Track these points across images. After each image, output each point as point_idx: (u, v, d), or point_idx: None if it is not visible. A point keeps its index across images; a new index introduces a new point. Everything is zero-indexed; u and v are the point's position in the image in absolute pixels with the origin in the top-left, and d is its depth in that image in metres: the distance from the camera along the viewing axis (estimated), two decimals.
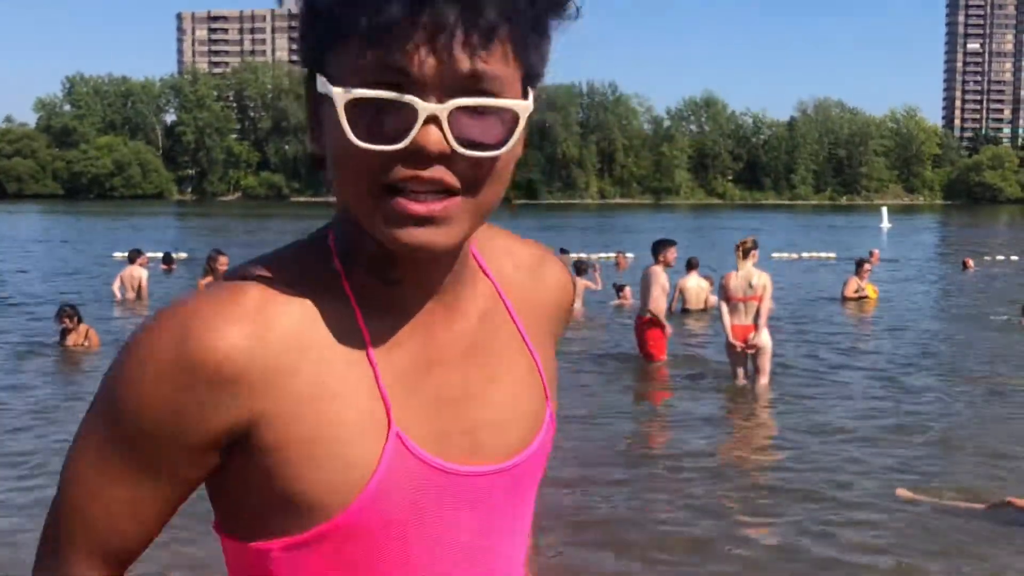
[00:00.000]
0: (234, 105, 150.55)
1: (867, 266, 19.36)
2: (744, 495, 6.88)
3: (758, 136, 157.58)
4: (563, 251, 28.10)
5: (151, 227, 52.48)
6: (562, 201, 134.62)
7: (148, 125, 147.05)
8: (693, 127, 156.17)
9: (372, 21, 0.88)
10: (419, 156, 0.91)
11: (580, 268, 17.44)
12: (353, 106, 0.91)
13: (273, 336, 0.98)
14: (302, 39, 0.99)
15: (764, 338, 10.27)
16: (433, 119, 0.90)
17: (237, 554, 1.09)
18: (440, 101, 0.91)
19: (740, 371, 10.40)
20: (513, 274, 1.19)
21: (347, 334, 1.02)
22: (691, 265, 16.70)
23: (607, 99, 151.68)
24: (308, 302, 1.01)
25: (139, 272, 18.48)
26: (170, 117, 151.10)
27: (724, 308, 10.34)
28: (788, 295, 19.03)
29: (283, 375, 0.98)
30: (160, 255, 26.06)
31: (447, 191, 0.94)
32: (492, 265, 1.17)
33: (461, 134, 0.92)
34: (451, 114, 0.91)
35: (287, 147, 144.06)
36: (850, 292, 18.64)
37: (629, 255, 29.89)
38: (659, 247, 12.11)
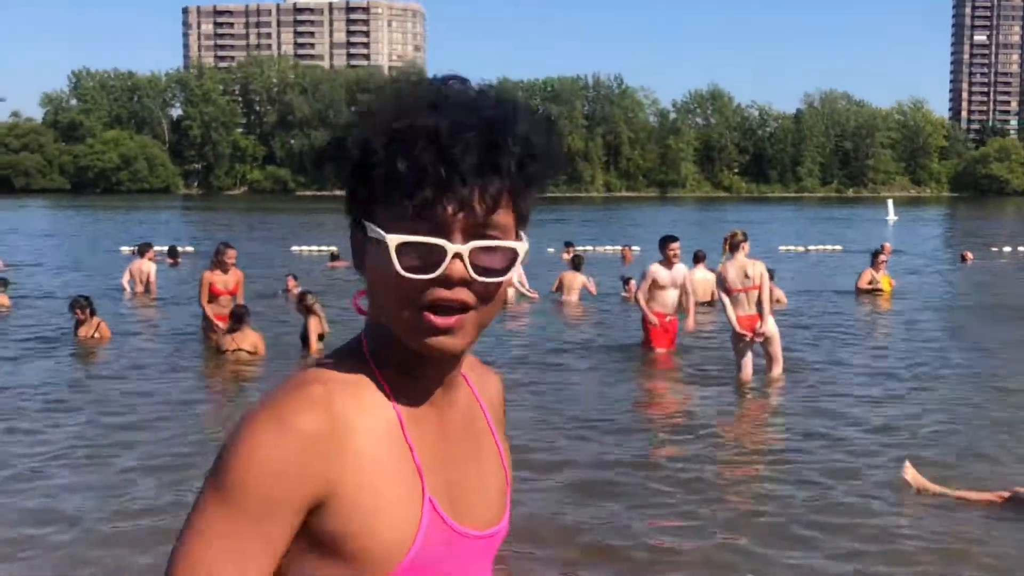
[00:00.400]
0: (240, 99, 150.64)
1: (882, 257, 19.30)
2: (750, 487, 7.00)
3: (764, 129, 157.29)
4: (568, 244, 28.22)
5: (158, 221, 52.67)
6: (567, 194, 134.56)
7: (154, 119, 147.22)
8: (699, 120, 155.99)
9: (414, 199, 1.21)
10: (447, 282, 1.22)
11: (577, 264, 17.45)
12: (400, 247, 1.22)
13: (338, 422, 1.23)
14: (351, 197, 1.30)
15: (771, 326, 10.40)
16: (458, 256, 1.22)
17: None
18: (463, 243, 1.22)
19: (746, 362, 10.50)
20: (476, 379, 1.49)
21: (387, 419, 1.28)
22: (698, 258, 16.75)
23: (613, 92, 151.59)
24: (356, 394, 1.27)
25: (148, 266, 18.67)
26: (176, 111, 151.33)
27: (726, 300, 10.44)
28: (799, 288, 19.12)
29: (349, 452, 1.23)
30: (165, 249, 26.27)
31: (463, 308, 1.24)
32: (481, 377, 1.51)
33: (477, 265, 1.23)
34: (471, 252, 1.22)
35: (293, 141, 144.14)
36: (864, 284, 18.66)
37: (635, 248, 30.02)
38: (660, 243, 12.40)
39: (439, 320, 1.24)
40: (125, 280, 18.69)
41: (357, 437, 1.25)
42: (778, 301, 16.43)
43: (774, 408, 9.64)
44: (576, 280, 17.23)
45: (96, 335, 12.71)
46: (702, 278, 15.94)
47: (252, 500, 1.18)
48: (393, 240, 1.22)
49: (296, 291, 15.08)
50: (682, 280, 12.32)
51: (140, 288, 18.32)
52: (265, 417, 1.22)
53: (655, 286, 12.16)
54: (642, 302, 12.15)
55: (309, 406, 1.23)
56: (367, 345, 1.35)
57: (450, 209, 1.22)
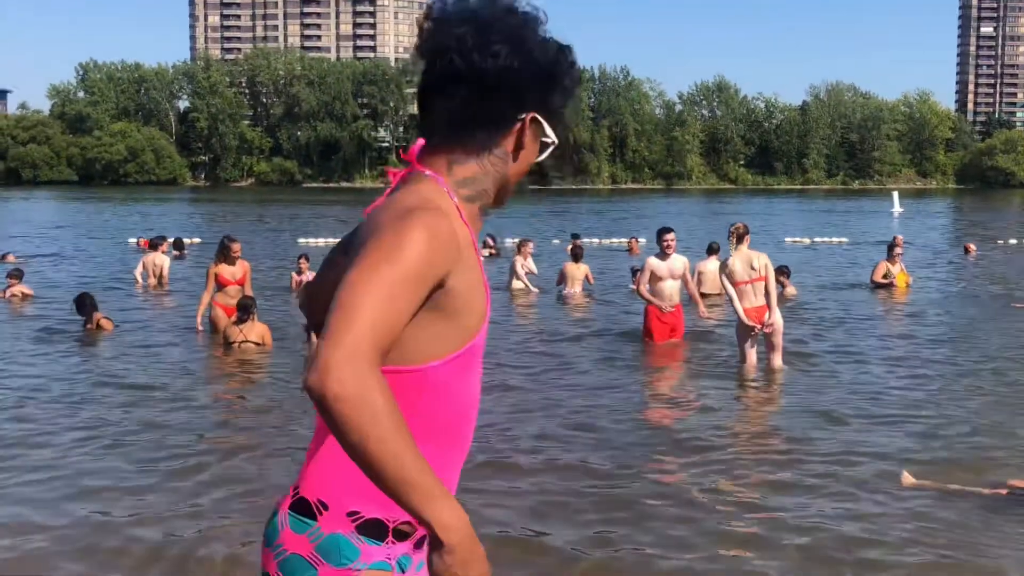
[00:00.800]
0: (246, 91, 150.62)
1: (897, 250, 19.03)
2: (753, 476, 7.17)
3: (770, 121, 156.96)
4: (574, 236, 28.36)
5: (165, 213, 52.87)
6: (573, 186, 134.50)
7: (161, 111, 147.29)
8: (705, 112, 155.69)
9: (555, 111, 2.04)
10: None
11: (577, 255, 17.60)
12: (551, 142, 2.08)
13: (455, 232, 1.92)
14: (537, 93, 2.02)
15: (777, 316, 10.58)
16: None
17: (402, 381, 1.93)
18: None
19: (751, 353, 10.67)
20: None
21: (466, 235, 1.97)
22: (711, 250, 16.89)
23: (619, 84, 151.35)
24: (455, 218, 1.96)
25: (161, 259, 18.91)
26: (183, 103, 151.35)
27: (733, 293, 10.57)
28: (812, 281, 19.16)
29: (461, 251, 1.92)
30: (171, 241, 26.49)
31: None
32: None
33: None
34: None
35: (299, 133, 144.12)
36: (878, 277, 18.48)
37: (641, 240, 30.14)
38: (656, 235, 12.81)
39: (521, 183, 2.14)
40: (138, 272, 18.90)
41: (461, 243, 1.92)
42: (791, 295, 16.70)
43: (775, 400, 9.81)
44: (579, 271, 17.41)
45: (98, 327, 13.08)
46: (713, 269, 16.03)
47: (423, 270, 1.82)
48: (550, 134, 2.07)
49: (306, 276, 15.23)
50: (681, 271, 12.52)
51: (153, 281, 18.54)
52: (421, 224, 1.85)
53: (654, 278, 12.39)
54: (644, 293, 12.40)
55: (445, 220, 1.90)
56: (451, 194, 2.01)
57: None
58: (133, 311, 15.22)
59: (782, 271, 17.59)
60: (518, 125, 2.03)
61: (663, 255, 12.46)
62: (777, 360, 10.62)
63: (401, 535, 2.00)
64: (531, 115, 2.03)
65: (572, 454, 7.35)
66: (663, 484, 6.75)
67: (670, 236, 12.59)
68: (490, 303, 2.02)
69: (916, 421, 8.44)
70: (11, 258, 23.47)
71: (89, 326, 13.02)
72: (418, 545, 2.02)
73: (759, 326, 10.50)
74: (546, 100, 2.03)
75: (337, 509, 1.98)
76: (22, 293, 16.21)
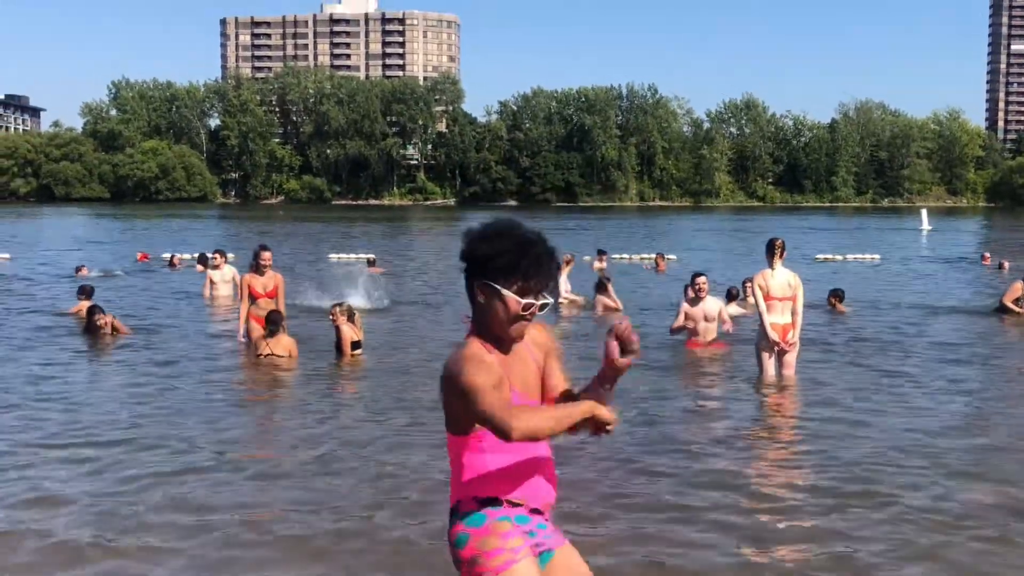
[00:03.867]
0: (276, 110, 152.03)
1: None
2: (774, 493, 7.16)
3: (799, 139, 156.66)
4: (600, 252, 28.42)
5: (199, 229, 53.35)
6: (601, 204, 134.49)
7: (192, 129, 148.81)
8: (733, 129, 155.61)
9: (528, 281, 3.19)
10: (532, 315, 3.24)
11: (602, 285, 17.46)
12: (524, 304, 3.19)
13: (488, 356, 3.19)
14: (479, 272, 3.21)
15: (798, 337, 10.66)
16: (537, 307, 3.23)
17: (458, 443, 3.26)
18: (537, 300, 3.21)
19: (769, 365, 10.67)
20: (530, 332, 3.36)
21: (495, 356, 3.22)
22: (731, 296, 16.76)
23: (647, 101, 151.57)
24: (488, 349, 3.23)
25: (225, 272, 19.50)
26: (214, 121, 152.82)
27: (763, 306, 10.56)
28: (869, 301, 18.32)
29: (493, 366, 3.17)
30: (194, 256, 26.93)
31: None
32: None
33: (539, 309, 3.24)
34: (539, 305, 3.22)
35: (329, 151, 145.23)
36: (1009, 300, 16.80)
37: (670, 256, 30.13)
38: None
39: (521, 327, 3.24)
40: (207, 290, 19.25)
41: (493, 363, 3.16)
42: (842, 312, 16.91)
43: (796, 406, 9.79)
44: (600, 301, 17.17)
45: (112, 331, 13.77)
46: (734, 313, 16.02)
47: (490, 380, 3.07)
48: (514, 298, 3.17)
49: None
50: (715, 313, 12.94)
51: (218, 293, 19.04)
52: (469, 364, 3.10)
53: (688, 321, 12.93)
54: (676, 329, 13.08)
55: (481, 351, 3.18)
56: (477, 335, 3.25)
57: (537, 286, 3.17)
58: (170, 323, 15.36)
59: (836, 294, 17.57)
60: (476, 291, 3.24)
61: (696, 299, 12.87)
62: (790, 372, 10.66)
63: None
64: (480, 282, 3.22)
65: (591, 455, 7.37)
66: (668, 476, 6.75)
67: (702, 280, 13.00)
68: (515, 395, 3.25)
69: (950, 436, 8.39)
70: (84, 271, 23.81)
71: (102, 329, 13.70)
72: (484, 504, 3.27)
73: (783, 342, 10.51)
74: (486, 274, 3.19)
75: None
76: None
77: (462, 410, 3.11)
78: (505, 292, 3.14)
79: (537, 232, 3.22)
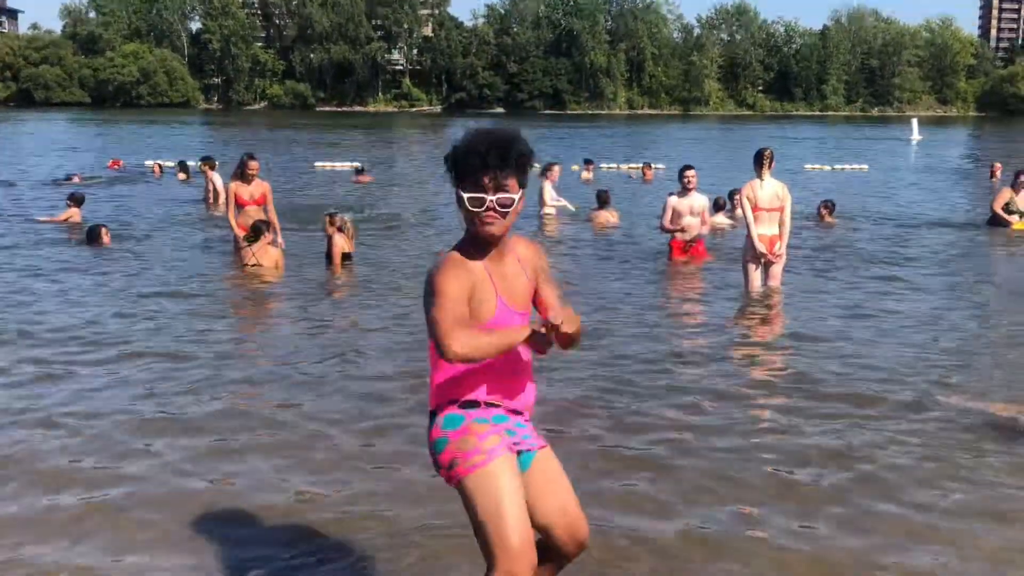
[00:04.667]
0: (259, 12, 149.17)
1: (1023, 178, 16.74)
2: (759, 397, 7.20)
3: (790, 46, 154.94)
4: (587, 161, 28.24)
5: (181, 135, 52.81)
6: (589, 111, 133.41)
7: (174, 33, 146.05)
8: (724, 36, 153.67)
9: (473, 177, 3.22)
10: (487, 210, 3.24)
11: (602, 199, 17.33)
12: (469, 199, 3.22)
13: (468, 265, 3.27)
14: (450, 173, 3.29)
15: (785, 248, 10.66)
16: (491, 201, 3.22)
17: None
18: (492, 194, 3.22)
19: (755, 277, 10.67)
20: (517, 248, 3.47)
21: (480, 267, 3.30)
22: (718, 205, 16.67)
23: (636, 6, 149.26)
24: (468, 258, 3.29)
25: (214, 177, 19.54)
26: (195, 25, 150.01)
27: (751, 217, 10.52)
28: (867, 214, 18.20)
29: (474, 281, 3.25)
30: (174, 163, 26.71)
31: (495, 217, 3.25)
32: (515, 247, 3.47)
33: (498, 204, 3.24)
34: (496, 199, 3.22)
35: (312, 56, 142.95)
36: (998, 206, 16.65)
37: (658, 166, 29.96)
38: (678, 173, 13.21)
39: (484, 223, 3.24)
40: (210, 196, 19.32)
41: (473, 274, 3.25)
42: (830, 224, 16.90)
43: (779, 318, 9.82)
44: (608, 218, 17.04)
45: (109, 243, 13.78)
46: (720, 222, 15.98)
47: (455, 293, 3.13)
48: (465, 194, 3.22)
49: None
50: (701, 208, 12.94)
51: (211, 199, 19.07)
52: (446, 267, 3.20)
53: (675, 215, 12.89)
54: (667, 226, 12.99)
55: (460, 261, 3.25)
56: (465, 241, 3.32)
57: (487, 180, 3.20)
58: (155, 235, 15.25)
59: (826, 205, 17.57)
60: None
61: (684, 192, 12.82)
62: (775, 283, 10.69)
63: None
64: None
65: (578, 370, 7.39)
66: (661, 388, 6.78)
67: (691, 173, 12.93)
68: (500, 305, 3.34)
69: (936, 343, 8.45)
70: (77, 179, 23.58)
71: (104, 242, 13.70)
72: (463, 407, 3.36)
73: (769, 253, 10.50)
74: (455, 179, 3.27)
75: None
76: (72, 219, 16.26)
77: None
78: (459, 191, 3.23)
79: (492, 129, 3.30)
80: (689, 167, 13.12)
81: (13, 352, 8.01)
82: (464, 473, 3.25)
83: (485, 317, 3.25)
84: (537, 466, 3.41)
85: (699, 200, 12.92)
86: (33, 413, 6.51)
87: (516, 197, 3.24)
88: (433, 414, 3.38)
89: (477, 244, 3.30)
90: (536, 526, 3.37)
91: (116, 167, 28.29)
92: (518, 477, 3.28)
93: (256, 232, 11.81)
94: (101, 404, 6.73)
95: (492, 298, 3.27)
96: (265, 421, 6.40)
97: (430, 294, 3.16)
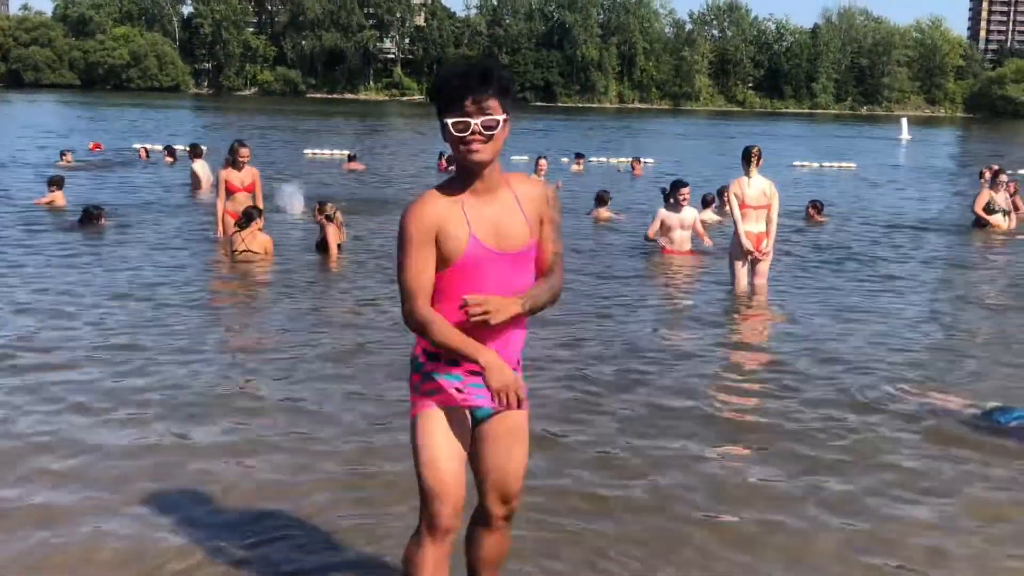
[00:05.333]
0: None
1: (1003, 177, 16.88)
2: (744, 393, 7.30)
3: (780, 43, 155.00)
4: (578, 155, 28.29)
5: (171, 120, 52.62)
6: (580, 104, 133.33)
7: (165, 16, 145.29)
8: (715, 32, 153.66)
9: (454, 104, 3.17)
10: (471, 134, 3.17)
11: (601, 199, 17.19)
12: (453, 123, 3.16)
13: (439, 204, 3.23)
14: (437, 108, 3.23)
15: (772, 245, 10.75)
16: (475, 124, 3.16)
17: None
18: (475, 117, 3.15)
19: (742, 274, 10.75)
20: (519, 187, 3.38)
21: (458, 202, 3.24)
22: (705, 202, 16.78)
23: (629, 1, 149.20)
24: (445, 194, 3.25)
25: (199, 165, 19.58)
26: (187, 9, 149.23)
27: (738, 214, 10.61)
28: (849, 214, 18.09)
29: (443, 216, 3.20)
30: (161, 147, 26.70)
31: (480, 143, 3.18)
32: (514, 185, 3.38)
33: (483, 127, 3.17)
34: (480, 122, 3.16)
35: (304, 42, 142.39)
36: (979, 208, 16.70)
37: (648, 160, 30.05)
38: (671, 187, 13.46)
39: (470, 147, 3.17)
40: (204, 185, 19.24)
41: (443, 210, 3.20)
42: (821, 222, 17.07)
43: (768, 314, 9.92)
44: (607, 215, 17.05)
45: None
46: (709, 219, 16.09)
47: (418, 235, 3.17)
48: (448, 120, 3.18)
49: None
50: (691, 222, 13.25)
51: (193, 186, 19.15)
52: (413, 205, 3.22)
53: (664, 228, 13.16)
54: (651, 235, 13.31)
55: (431, 198, 3.23)
56: (451, 179, 3.31)
57: (468, 104, 3.14)
58: (139, 222, 15.26)
59: (815, 204, 17.68)
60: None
61: (677, 207, 13.13)
62: (761, 281, 10.77)
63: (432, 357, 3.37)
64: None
65: (566, 364, 7.47)
66: (642, 385, 6.86)
67: (686, 190, 13.25)
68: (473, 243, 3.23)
69: (912, 350, 8.56)
70: (68, 157, 23.55)
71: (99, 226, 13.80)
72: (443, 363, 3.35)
73: (756, 251, 10.59)
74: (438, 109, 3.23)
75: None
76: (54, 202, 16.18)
77: None
78: (443, 119, 3.21)
79: (470, 57, 3.63)
80: (683, 183, 13.39)
81: None
82: (411, 414, 3.41)
83: (452, 256, 3.21)
84: (491, 422, 3.46)
85: (690, 214, 13.26)
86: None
87: (500, 119, 3.19)
88: (411, 359, 3.48)
89: (462, 178, 3.28)
90: (476, 477, 3.53)
91: (96, 149, 28.17)
92: (448, 426, 3.35)
93: (247, 218, 11.84)
94: (79, 394, 6.78)
95: (464, 234, 3.22)
96: (254, 411, 6.47)
97: (399, 236, 3.22)
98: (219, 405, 6.48)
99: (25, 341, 7.86)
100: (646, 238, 13.38)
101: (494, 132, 3.18)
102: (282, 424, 6.12)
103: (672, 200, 13.16)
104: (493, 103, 3.17)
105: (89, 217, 13.86)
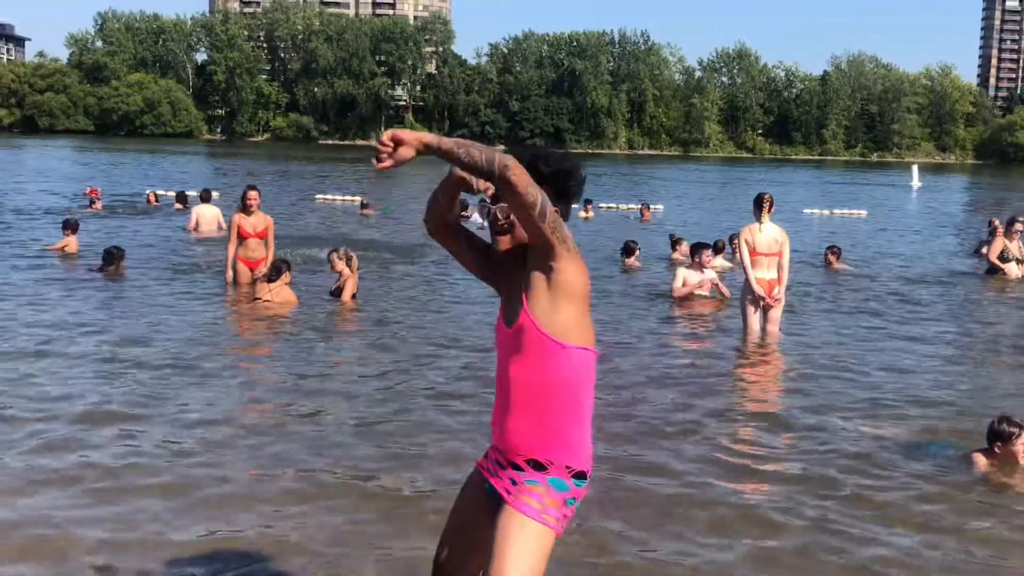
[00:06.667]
0: (264, 46, 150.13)
1: (1019, 226, 16.81)
2: (754, 443, 7.24)
3: (790, 90, 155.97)
4: (587, 202, 28.32)
5: (185, 166, 52.96)
6: (590, 151, 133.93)
7: (179, 63, 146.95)
8: (725, 79, 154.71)
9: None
10: (491, 218, 3.19)
11: (630, 249, 17.12)
12: (479, 203, 3.77)
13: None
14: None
15: (783, 292, 10.72)
16: (495, 210, 3.15)
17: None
18: (501, 202, 3.14)
19: (754, 321, 10.71)
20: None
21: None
22: (717, 248, 16.73)
23: (639, 48, 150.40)
24: None
25: (212, 210, 19.93)
26: (201, 56, 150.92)
27: (748, 261, 10.59)
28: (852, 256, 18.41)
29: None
30: (172, 193, 26.89)
31: (501, 230, 3.18)
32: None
33: (500, 213, 3.16)
34: (499, 209, 3.17)
35: (316, 89, 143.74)
36: (994, 255, 16.78)
37: (658, 207, 30.09)
38: (691, 249, 13.87)
39: (492, 232, 3.17)
40: (191, 225, 19.56)
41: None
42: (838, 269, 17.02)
43: (780, 361, 9.86)
44: (635, 264, 17.01)
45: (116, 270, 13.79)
46: (721, 266, 16.10)
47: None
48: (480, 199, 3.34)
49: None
50: (711, 283, 13.35)
51: (207, 230, 19.29)
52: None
53: (687, 286, 13.25)
54: (678, 295, 13.20)
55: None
56: None
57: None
58: (155, 261, 15.29)
59: (833, 250, 17.57)
60: None
61: (699, 267, 13.36)
62: (774, 328, 10.71)
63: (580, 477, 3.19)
64: None
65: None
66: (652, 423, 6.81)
67: (708, 253, 13.56)
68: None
69: (936, 404, 8.48)
70: (98, 205, 24.02)
71: (109, 270, 13.62)
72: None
73: (768, 298, 10.56)
74: None
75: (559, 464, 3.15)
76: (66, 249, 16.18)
77: None
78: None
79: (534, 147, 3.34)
80: (706, 246, 13.65)
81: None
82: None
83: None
84: (497, 513, 3.17)
85: (710, 275, 13.37)
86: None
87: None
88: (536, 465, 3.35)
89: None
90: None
91: (93, 195, 28.17)
92: (465, 497, 3.39)
93: (276, 271, 11.74)
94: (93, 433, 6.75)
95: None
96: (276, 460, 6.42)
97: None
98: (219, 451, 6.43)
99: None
100: (676, 298, 13.15)
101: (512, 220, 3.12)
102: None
103: (696, 260, 13.40)
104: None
105: (110, 260, 13.83)
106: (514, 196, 2.90)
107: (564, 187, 3.13)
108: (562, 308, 3.05)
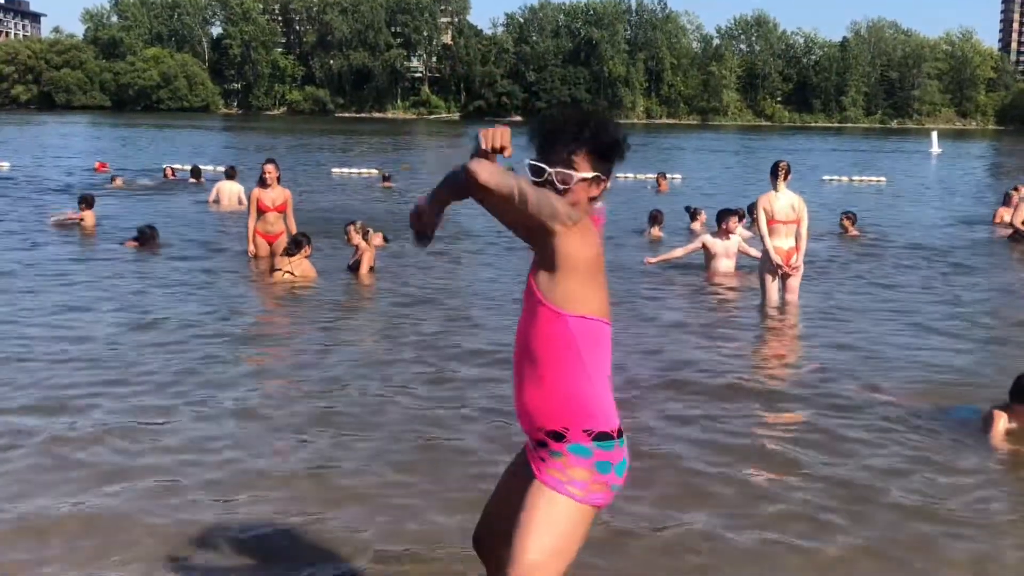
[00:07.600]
0: (279, 18, 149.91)
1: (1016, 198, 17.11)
2: (756, 398, 7.23)
3: (809, 57, 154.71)
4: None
5: (203, 141, 53.06)
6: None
7: (195, 38, 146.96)
8: (743, 46, 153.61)
9: (545, 148, 3.12)
10: (544, 181, 3.05)
11: (655, 218, 17.04)
12: (528, 164, 3.13)
13: None
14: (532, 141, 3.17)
15: (802, 260, 10.65)
16: (550, 173, 3.07)
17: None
18: (554, 166, 3.08)
19: (772, 290, 10.67)
20: None
21: None
22: (739, 216, 16.68)
23: (656, 16, 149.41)
24: None
25: (235, 186, 20.13)
26: (216, 30, 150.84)
27: (765, 230, 10.54)
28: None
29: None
30: (188, 168, 26.97)
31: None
32: None
33: (557, 179, 3.06)
34: (555, 172, 3.06)
35: (332, 62, 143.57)
36: (1019, 220, 16.60)
37: (675, 176, 29.95)
38: (717, 216, 13.42)
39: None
40: (212, 198, 19.90)
41: None
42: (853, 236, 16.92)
43: (799, 329, 9.83)
44: (656, 234, 16.98)
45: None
46: (741, 235, 15.99)
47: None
48: (528, 160, 3.12)
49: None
50: (735, 249, 13.02)
51: (227, 205, 19.54)
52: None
53: (708, 254, 13.00)
54: (680, 253, 13.25)
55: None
56: None
57: (559, 150, 3.07)
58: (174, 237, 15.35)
59: (848, 216, 17.48)
60: None
61: (724, 234, 13.01)
62: (793, 297, 10.67)
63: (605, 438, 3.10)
64: None
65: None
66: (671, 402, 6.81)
67: (734, 220, 13.10)
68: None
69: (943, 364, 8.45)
70: (119, 182, 23.99)
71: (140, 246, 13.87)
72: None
73: (786, 266, 10.51)
74: None
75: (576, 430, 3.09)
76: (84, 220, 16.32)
77: None
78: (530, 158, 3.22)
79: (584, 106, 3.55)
80: (732, 212, 13.30)
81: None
82: None
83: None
84: (527, 487, 3.16)
85: (734, 242, 13.04)
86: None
87: (578, 176, 3.08)
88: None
89: None
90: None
91: (103, 170, 28.25)
92: (508, 475, 3.41)
93: (296, 245, 11.75)
94: (113, 402, 6.79)
95: None
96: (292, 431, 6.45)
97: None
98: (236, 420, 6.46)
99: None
100: (676, 256, 13.21)
101: (569, 187, 3.05)
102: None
103: (724, 226, 13.02)
104: (580, 158, 3.07)
105: (144, 237, 13.96)
106: (491, 195, 2.85)
107: (609, 156, 3.18)
108: (562, 280, 3.01)
